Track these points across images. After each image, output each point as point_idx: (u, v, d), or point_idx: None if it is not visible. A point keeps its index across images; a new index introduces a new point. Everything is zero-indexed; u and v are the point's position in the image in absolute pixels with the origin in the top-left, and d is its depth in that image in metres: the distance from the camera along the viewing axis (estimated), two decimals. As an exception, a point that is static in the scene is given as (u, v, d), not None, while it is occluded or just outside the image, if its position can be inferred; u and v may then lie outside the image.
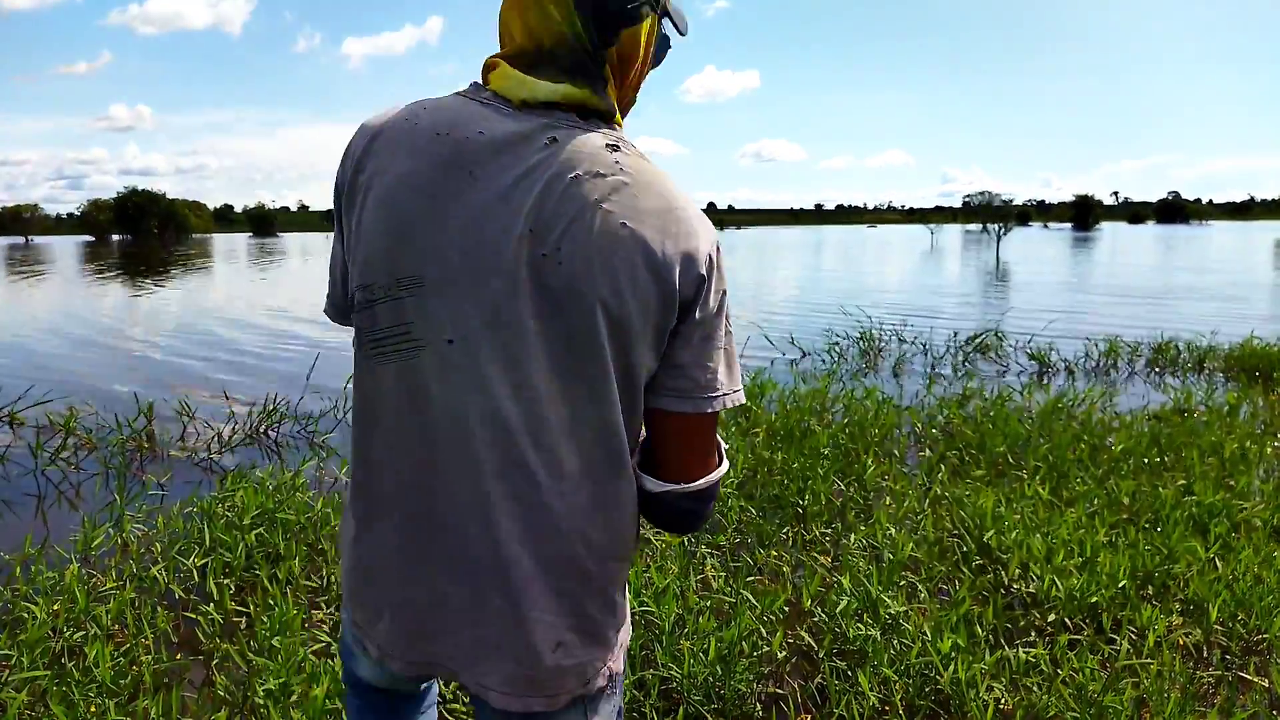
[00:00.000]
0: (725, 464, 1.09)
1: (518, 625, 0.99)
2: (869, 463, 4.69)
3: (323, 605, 3.29)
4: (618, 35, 1.00)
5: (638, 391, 1.01)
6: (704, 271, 0.98)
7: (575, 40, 0.99)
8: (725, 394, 1.03)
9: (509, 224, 0.94)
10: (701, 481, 1.05)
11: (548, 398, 0.96)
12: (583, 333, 0.95)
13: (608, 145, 0.98)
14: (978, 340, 9.86)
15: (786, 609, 3.16)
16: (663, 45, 1.09)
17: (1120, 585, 3.16)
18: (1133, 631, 2.97)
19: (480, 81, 1.04)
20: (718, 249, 1.02)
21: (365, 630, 1.10)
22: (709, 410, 1.02)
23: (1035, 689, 2.61)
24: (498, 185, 0.95)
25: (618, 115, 1.05)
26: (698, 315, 0.99)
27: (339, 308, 1.14)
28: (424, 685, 1.33)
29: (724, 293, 1.03)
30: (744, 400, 1.07)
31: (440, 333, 0.96)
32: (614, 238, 0.94)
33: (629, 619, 1.12)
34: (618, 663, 1.08)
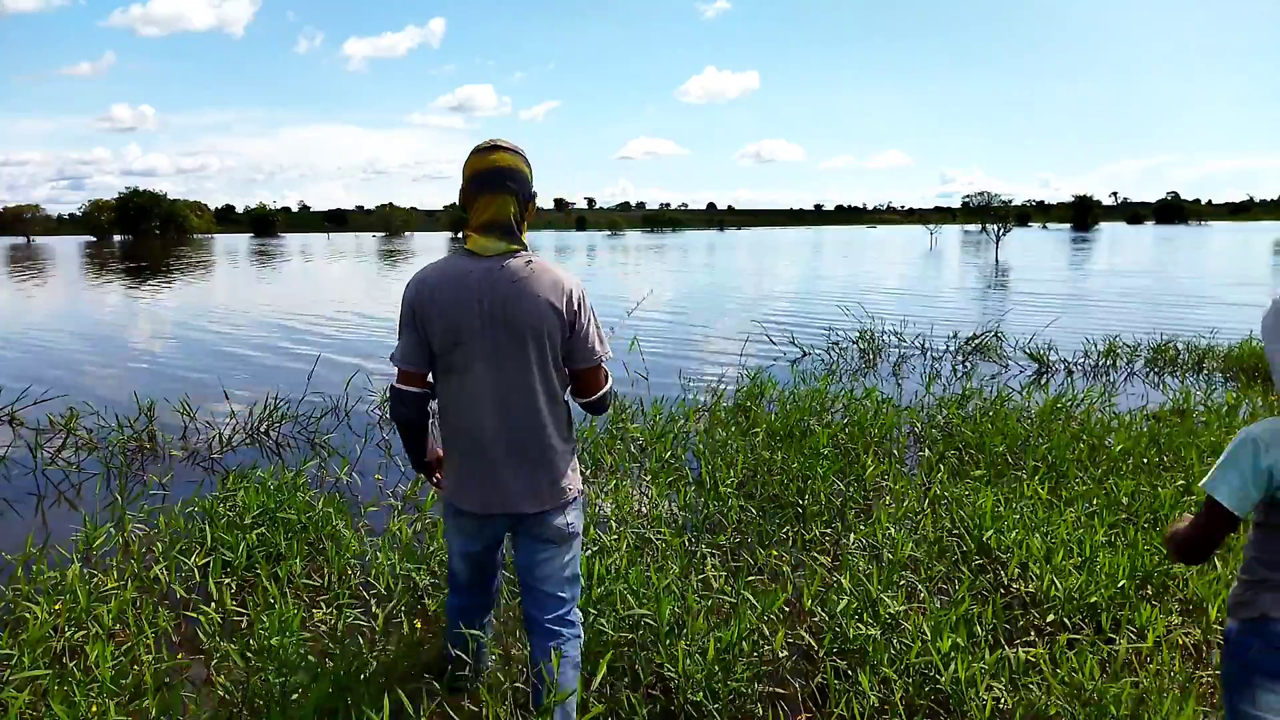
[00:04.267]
0: (609, 383, 2.39)
1: (531, 478, 2.27)
2: (868, 463, 4.70)
3: (323, 605, 3.30)
4: (527, 207, 2.27)
5: (559, 364, 2.26)
6: (575, 306, 2.22)
7: (512, 219, 2.23)
8: (600, 355, 2.31)
9: (492, 307, 2.17)
10: (597, 395, 2.37)
11: (520, 376, 2.21)
12: (530, 345, 2.19)
13: (526, 262, 2.21)
14: (977, 340, 9.87)
15: (787, 609, 3.17)
16: None
17: (1119, 585, 3.17)
18: (1132, 631, 2.98)
19: (465, 244, 2.24)
20: (582, 291, 2.26)
21: (460, 501, 2.32)
22: (593, 364, 2.30)
23: (1035, 688, 2.62)
24: (481, 293, 2.17)
25: (524, 243, 2.26)
26: (576, 325, 2.23)
27: (407, 358, 2.25)
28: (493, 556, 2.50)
29: (589, 310, 2.27)
30: (612, 355, 2.36)
31: (474, 360, 2.20)
32: (532, 300, 2.17)
33: (578, 471, 2.40)
34: (573, 488, 2.35)
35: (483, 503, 2.28)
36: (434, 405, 2.35)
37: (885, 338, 10.27)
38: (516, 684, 2.60)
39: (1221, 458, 1.75)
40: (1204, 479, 1.78)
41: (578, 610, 2.46)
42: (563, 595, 2.38)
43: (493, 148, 2.22)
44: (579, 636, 2.41)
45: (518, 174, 2.22)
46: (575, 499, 2.36)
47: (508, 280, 2.16)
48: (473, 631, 2.51)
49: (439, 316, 2.17)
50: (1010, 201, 53.77)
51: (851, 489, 4.44)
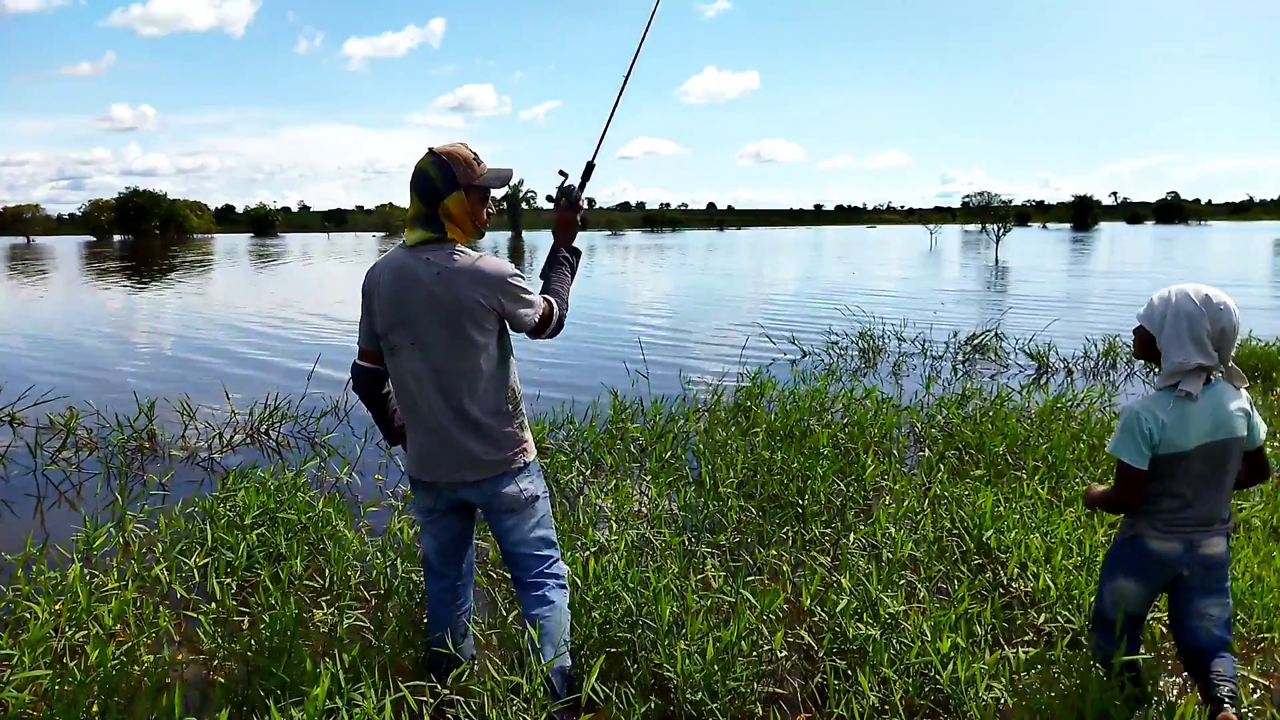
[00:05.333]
0: (555, 316, 2.61)
1: (466, 448, 2.51)
2: (868, 462, 4.70)
3: (323, 605, 3.30)
4: (438, 204, 2.48)
5: (492, 339, 2.49)
6: (495, 288, 2.46)
7: (421, 213, 2.50)
8: (532, 320, 2.53)
9: (423, 295, 2.45)
10: (548, 334, 2.62)
11: (448, 356, 2.47)
12: (458, 326, 2.44)
13: (449, 252, 2.47)
14: (977, 340, 9.87)
15: (786, 608, 3.17)
16: (491, 186, 2.57)
17: (1119, 584, 3.16)
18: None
19: (405, 240, 2.55)
20: (508, 275, 2.48)
21: (412, 470, 2.63)
22: (531, 326, 2.55)
23: (1035, 688, 2.62)
24: (414, 282, 2.46)
25: (459, 236, 2.52)
26: (508, 302, 2.48)
27: (363, 338, 2.62)
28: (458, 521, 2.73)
29: (516, 288, 2.48)
30: (538, 308, 2.54)
31: (407, 341, 2.50)
32: (456, 286, 2.43)
33: (527, 442, 2.61)
34: (526, 456, 2.59)
35: (430, 471, 2.56)
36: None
37: (885, 338, 10.27)
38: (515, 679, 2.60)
39: (1118, 429, 2.40)
40: (1109, 446, 2.44)
41: (562, 565, 2.71)
42: (539, 554, 2.63)
43: (425, 153, 2.52)
44: (564, 587, 2.67)
45: (422, 175, 2.48)
46: (525, 467, 2.58)
47: (434, 272, 2.44)
48: (463, 625, 2.75)
49: (380, 302, 2.51)
50: (1010, 201, 53.69)
51: (851, 489, 4.44)
